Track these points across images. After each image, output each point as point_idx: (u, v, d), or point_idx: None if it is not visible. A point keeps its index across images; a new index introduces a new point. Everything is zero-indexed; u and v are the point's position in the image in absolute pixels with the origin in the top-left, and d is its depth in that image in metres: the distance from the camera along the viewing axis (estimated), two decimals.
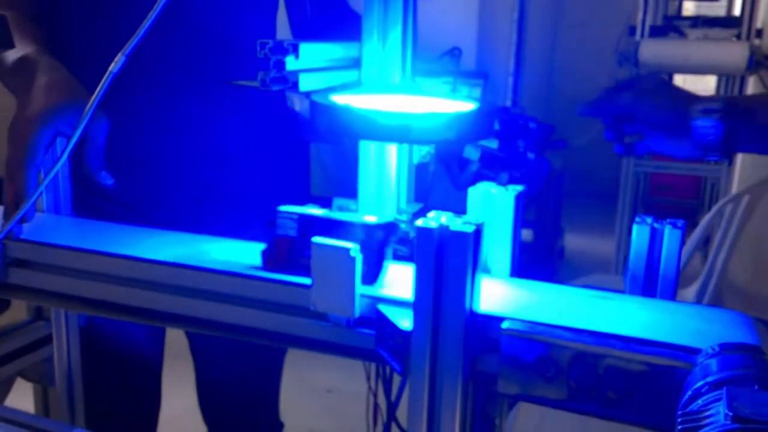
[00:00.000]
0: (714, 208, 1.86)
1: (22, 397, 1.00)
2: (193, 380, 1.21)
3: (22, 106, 0.76)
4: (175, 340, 1.14)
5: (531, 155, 0.82)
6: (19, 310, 0.94)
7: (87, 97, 0.75)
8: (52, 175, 0.65)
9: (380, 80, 0.63)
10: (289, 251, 0.61)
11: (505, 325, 0.51)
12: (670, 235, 0.59)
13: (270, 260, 0.62)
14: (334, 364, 0.62)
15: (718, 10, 3.76)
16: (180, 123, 0.99)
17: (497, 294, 0.58)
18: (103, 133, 0.76)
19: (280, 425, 1.26)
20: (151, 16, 0.59)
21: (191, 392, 1.21)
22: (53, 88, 0.77)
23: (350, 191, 0.68)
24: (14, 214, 0.66)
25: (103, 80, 0.61)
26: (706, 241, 2.15)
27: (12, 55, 0.86)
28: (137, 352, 1.09)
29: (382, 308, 0.55)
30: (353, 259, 0.53)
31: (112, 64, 0.61)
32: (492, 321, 0.52)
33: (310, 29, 1.07)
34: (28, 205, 0.66)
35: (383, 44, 0.61)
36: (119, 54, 0.61)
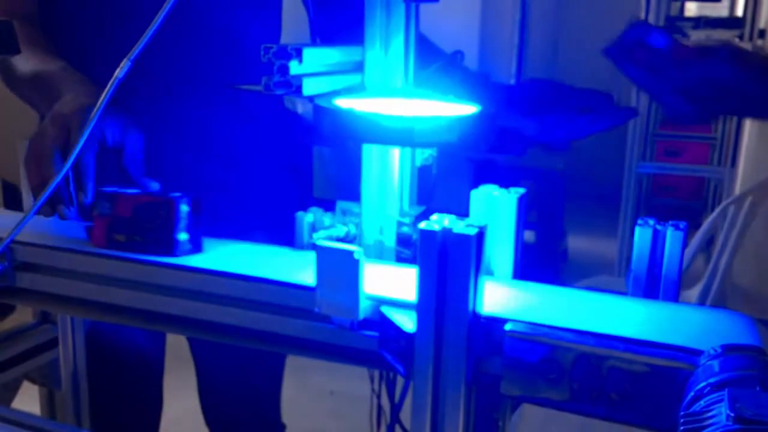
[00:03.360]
0: (717, 209, 1.86)
1: (29, 400, 1.00)
2: (195, 382, 1.21)
3: (61, 100, 0.77)
4: (177, 342, 1.14)
5: None
6: (25, 313, 0.94)
7: (112, 109, 0.76)
8: (60, 176, 0.65)
9: (383, 85, 0.63)
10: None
11: (508, 326, 0.51)
12: (672, 236, 0.59)
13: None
14: (336, 365, 0.62)
15: (721, 11, 3.75)
16: (182, 126, 1.00)
17: (500, 296, 0.58)
18: (139, 143, 0.79)
19: (282, 427, 1.26)
20: (156, 21, 0.60)
21: (193, 394, 1.22)
22: (87, 94, 0.79)
23: (353, 194, 0.68)
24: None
25: (109, 85, 0.62)
26: (709, 243, 2.15)
27: (27, 66, 0.87)
28: (139, 354, 1.10)
29: (386, 310, 0.56)
30: (357, 262, 0.54)
31: (118, 70, 0.62)
32: (495, 323, 0.52)
33: (330, 31, 1.07)
34: (42, 200, 0.67)
35: (386, 52, 0.62)
36: (125, 59, 0.61)
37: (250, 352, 1.11)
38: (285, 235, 0.71)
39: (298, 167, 1.17)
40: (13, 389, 1.07)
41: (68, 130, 0.74)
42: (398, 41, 0.63)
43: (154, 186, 0.79)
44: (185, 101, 0.99)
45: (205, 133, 1.01)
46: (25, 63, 0.88)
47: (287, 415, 1.26)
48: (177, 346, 1.17)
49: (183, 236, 0.68)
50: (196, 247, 0.69)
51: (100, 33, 0.96)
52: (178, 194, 0.69)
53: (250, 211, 1.06)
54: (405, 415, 0.63)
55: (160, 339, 1.13)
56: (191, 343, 1.17)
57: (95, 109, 0.65)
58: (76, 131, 0.73)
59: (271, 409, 1.24)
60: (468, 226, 0.50)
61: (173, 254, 0.67)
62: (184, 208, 0.68)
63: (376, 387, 0.80)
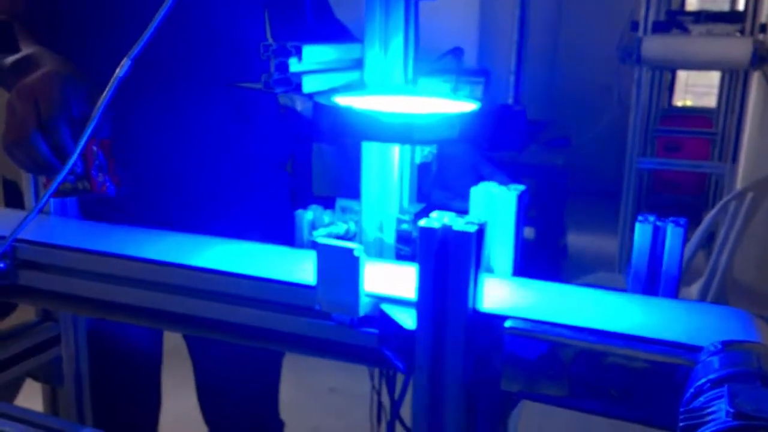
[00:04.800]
0: (718, 205, 1.86)
1: (31, 398, 1.01)
2: (192, 380, 1.21)
3: (19, 82, 0.75)
4: (174, 340, 1.14)
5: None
6: (27, 311, 0.94)
7: (92, 83, 0.75)
8: (68, 167, 0.65)
9: (383, 82, 0.63)
10: None
11: (507, 323, 0.52)
12: (672, 233, 0.59)
13: None
14: (336, 363, 0.62)
15: (722, 5, 3.76)
16: (179, 124, 1.00)
17: (500, 293, 0.59)
18: (107, 115, 0.76)
19: (281, 424, 1.26)
20: (156, 20, 0.60)
21: (190, 393, 1.22)
22: (63, 63, 0.77)
23: (352, 191, 0.68)
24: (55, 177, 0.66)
25: (110, 84, 0.62)
26: (710, 238, 2.15)
27: (13, 57, 0.87)
28: (138, 352, 1.10)
29: (386, 308, 0.56)
30: (357, 259, 0.54)
31: (118, 69, 0.62)
32: (495, 320, 0.52)
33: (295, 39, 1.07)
34: (64, 172, 0.66)
35: (385, 50, 0.62)
36: (125, 58, 0.62)
37: (247, 350, 1.11)
38: (283, 233, 0.72)
39: (298, 164, 1.17)
40: (15, 387, 1.07)
41: (36, 101, 0.71)
42: (398, 39, 0.63)
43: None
44: (181, 100, 0.99)
45: (202, 131, 1.01)
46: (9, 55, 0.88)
47: (286, 412, 1.27)
48: (175, 344, 1.17)
49: (99, 176, 0.76)
50: (112, 187, 0.78)
51: (99, 32, 0.96)
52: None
53: (249, 209, 1.06)
54: (405, 411, 0.64)
55: (157, 337, 1.13)
56: (188, 341, 1.17)
57: (95, 109, 0.65)
58: (44, 101, 0.71)
59: (269, 406, 1.24)
60: (468, 223, 0.50)
61: (93, 190, 0.76)
62: (94, 149, 0.76)
63: (376, 384, 0.80)
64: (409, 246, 0.65)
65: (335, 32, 1.08)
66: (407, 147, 0.65)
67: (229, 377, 1.18)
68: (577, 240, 3.27)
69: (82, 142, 0.65)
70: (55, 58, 0.81)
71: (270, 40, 0.98)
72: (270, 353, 1.19)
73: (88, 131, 0.65)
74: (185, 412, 1.38)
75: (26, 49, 0.85)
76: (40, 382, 0.98)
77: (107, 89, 0.63)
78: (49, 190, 0.66)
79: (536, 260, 2.80)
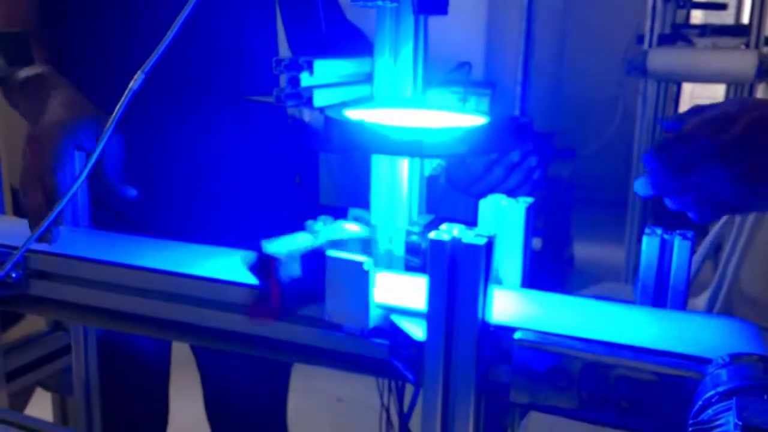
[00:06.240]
0: (724, 217, 1.86)
1: (41, 407, 1.01)
2: (198, 390, 1.22)
3: (40, 118, 0.78)
4: (182, 351, 1.15)
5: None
6: (38, 321, 0.95)
7: (102, 113, 0.77)
8: (74, 188, 0.66)
9: (392, 95, 0.64)
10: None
11: (517, 335, 0.52)
12: (679, 246, 0.60)
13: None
14: (344, 373, 0.63)
15: (727, 19, 3.75)
16: (188, 136, 1.01)
17: (509, 305, 0.59)
18: (119, 147, 0.78)
19: None
20: (169, 35, 0.61)
21: (199, 404, 1.22)
22: (71, 104, 0.79)
23: (359, 200, 0.69)
24: (42, 222, 0.67)
25: (123, 98, 0.63)
26: (716, 250, 2.15)
27: (24, 73, 0.88)
28: (147, 362, 1.10)
29: (396, 319, 0.56)
30: (367, 272, 0.55)
31: (132, 82, 0.63)
32: (504, 331, 0.53)
33: (311, 46, 1.09)
34: (53, 216, 0.67)
35: (395, 60, 0.63)
36: (138, 72, 0.62)
37: (255, 361, 1.12)
38: None
39: (306, 173, 1.18)
40: (26, 396, 1.08)
41: (42, 150, 0.74)
42: (407, 52, 0.64)
43: (132, 193, 0.79)
44: (188, 110, 1.00)
45: (211, 143, 1.02)
46: (22, 70, 0.89)
47: (293, 422, 1.27)
48: (182, 355, 1.17)
49: None
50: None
51: (109, 44, 0.97)
52: None
53: (258, 221, 1.07)
54: (414, 423, 0.64)
55: (166, 347, 1.14)
56: (196, 352, 1.17)
57: (108, 124, 0.66)
58: (47, 151, 0.73)
59: (277, 417, 1.24)
60: (477, 236, 0.50)
61: None
62: None
63: (384, 395, 0.80)
64: (418, 257, 0.65)
65: (349, 35, 1.09)
66: (416, 159, 0.66)
67: (237, 388, 1.18)
68: (583, 250, 3.26)
69: (79, 182, 0.66)
70: (63, 84, 0.83)
71: (282, 52, 0.99)
72: (278, 365, 1.19)
73: (86, 170, 0.66)
74: (192, 424, 1.38)
75: (38, 66, 0.87)
76: (50, 391, 0.99)
77: (120, 103, 0.64)
78: (43, 225, 0.67)
79: (542, 270, 2.79)
